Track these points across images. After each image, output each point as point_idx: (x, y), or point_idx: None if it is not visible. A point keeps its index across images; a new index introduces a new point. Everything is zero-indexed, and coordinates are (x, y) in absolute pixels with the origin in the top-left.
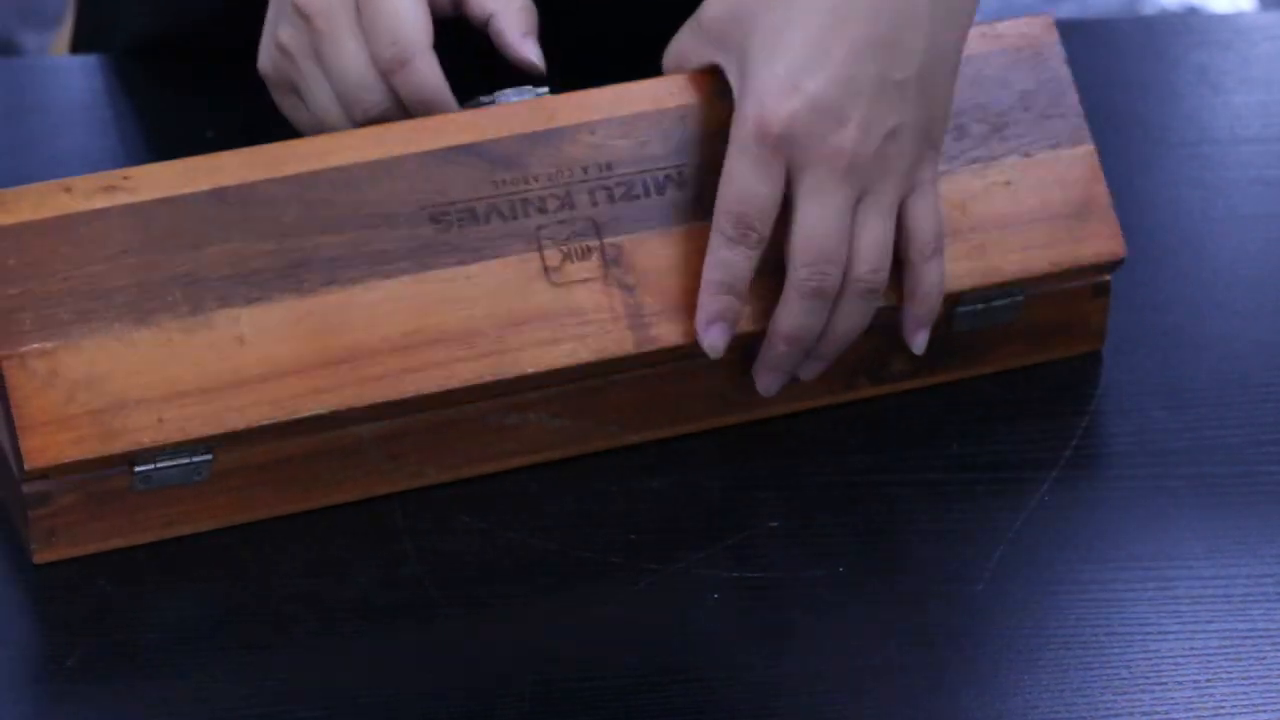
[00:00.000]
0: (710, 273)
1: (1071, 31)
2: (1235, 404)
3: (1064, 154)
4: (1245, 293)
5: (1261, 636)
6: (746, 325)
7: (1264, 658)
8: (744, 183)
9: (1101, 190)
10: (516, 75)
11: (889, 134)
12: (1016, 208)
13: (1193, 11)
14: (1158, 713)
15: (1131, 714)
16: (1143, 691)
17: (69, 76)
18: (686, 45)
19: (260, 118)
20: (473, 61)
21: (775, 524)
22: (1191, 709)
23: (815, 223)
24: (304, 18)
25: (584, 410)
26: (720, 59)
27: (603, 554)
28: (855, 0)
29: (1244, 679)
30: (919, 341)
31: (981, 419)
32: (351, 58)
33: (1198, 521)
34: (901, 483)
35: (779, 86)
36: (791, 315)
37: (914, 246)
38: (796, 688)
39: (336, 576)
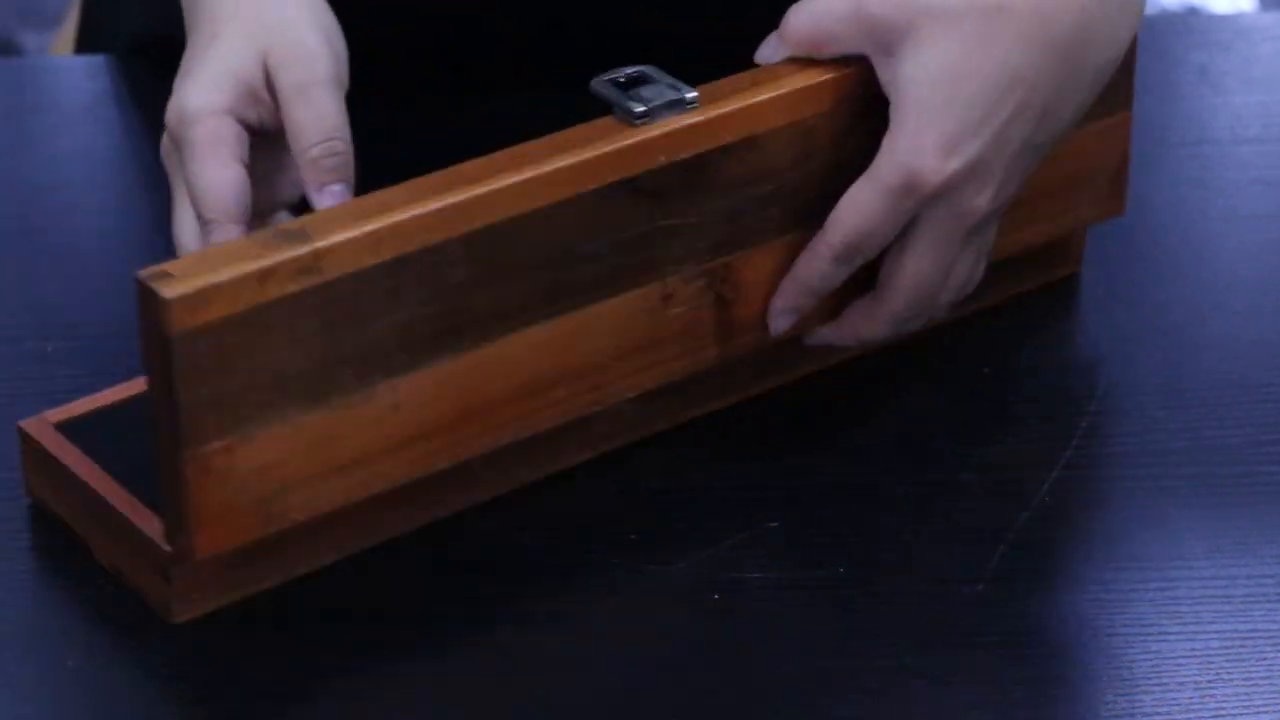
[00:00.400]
0: (804, 275)
1: None
2: (1235, 404)
3: (1105, 122)
4: (1245, 293)
5: (1263, 637)
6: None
7: (1265, 658)
8: (872, 221)
9: (1124, 155)
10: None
11: (1014, 190)
12: (1045, 181)
13: (1193, 12)
14: (1158, 714)
15: (1132, 715)
16: (1143, 693)
17: (69, 76)
18: (837, 27)
19: None
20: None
21: (775, 524)
22: (1192, 710)
23: (929, 268)
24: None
25: (662, 391)
26: (876, 61)
27: (603, 554)
28: (1032, 62)
29: (1245, 680)
30: None
31: (981, 419)
32: (182, 210)
33: (1198, 522)
34: (901, 482)
35: (943, 144)
36: (875, 330)
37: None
38: (796, 687)
39: (335, 577)
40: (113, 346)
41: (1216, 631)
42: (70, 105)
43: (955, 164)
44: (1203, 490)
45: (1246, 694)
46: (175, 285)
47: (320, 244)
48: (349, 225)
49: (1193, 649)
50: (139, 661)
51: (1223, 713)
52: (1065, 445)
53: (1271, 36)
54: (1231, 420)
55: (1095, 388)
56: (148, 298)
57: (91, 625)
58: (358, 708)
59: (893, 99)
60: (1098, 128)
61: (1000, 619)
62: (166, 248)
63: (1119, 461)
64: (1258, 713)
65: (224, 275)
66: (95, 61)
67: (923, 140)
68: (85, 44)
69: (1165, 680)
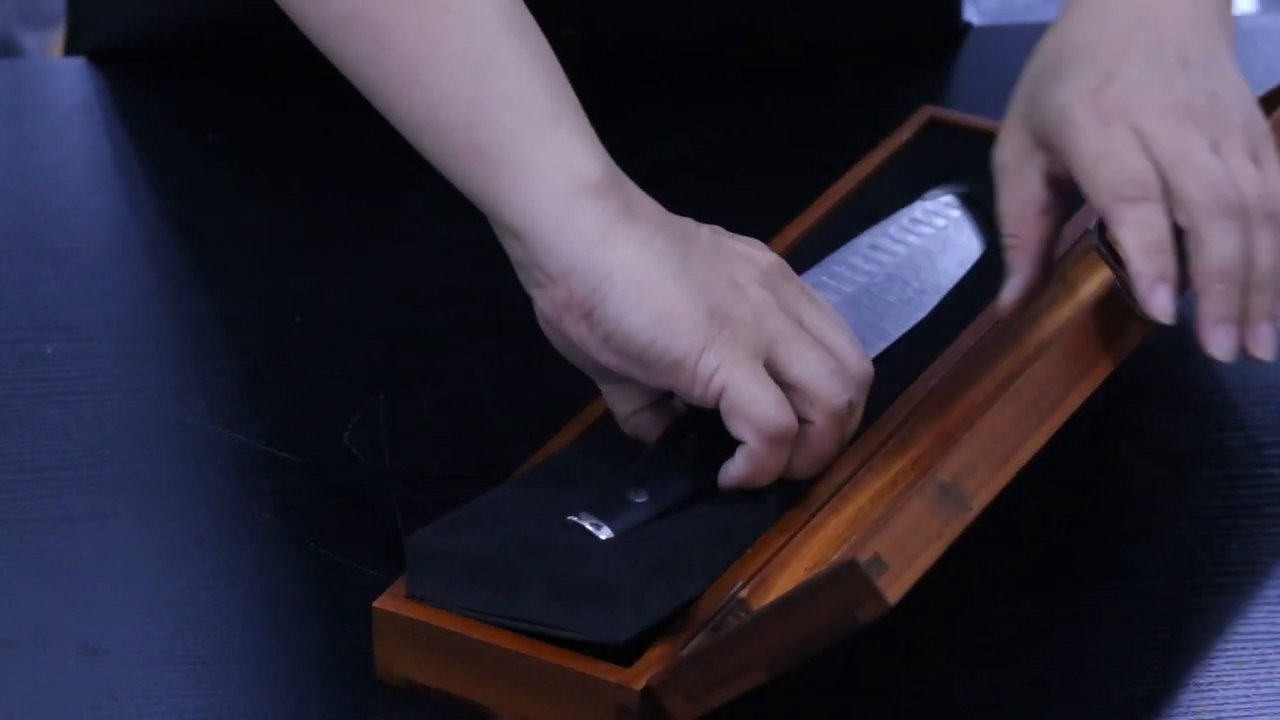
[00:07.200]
0: (1131, 240)
1: None
2: (1236, 407)
3: None
4: None
5: (1263, 638)
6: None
7: (1266, 659)
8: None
9: None
10: None
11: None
12: None
13: None
14: (1159, 714)
15: (1133, 716)
16: (1144, 694)
17: (69, 77)
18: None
19: (261, 120)
20: None
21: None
22: (1192, 710)
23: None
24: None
25: None
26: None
27: None
28: None
29: (1246, 682)
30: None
31: None
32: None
33: (1199, 524)
34: None
35: None
36: (1212, 247)
37: None
38: (792, 685)
39: (336, 579)
40: (112, 348)
41: (1217, 632)
42: (70, 106)
43: None
44: (1203, 492)
45: (1246, 695)
46: (889, 578)
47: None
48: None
49: (1193, 650)
50: None
51: (1223, 713)
52: (1066, 450)
53: (1272, 38)
54: (1232, 423)
55: (1095, 392)
56: (856, 581)
57: None
58: None
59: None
60: None
61: (1000, 622)
62: (164, 248)
63: (1119, 465)
64: (1258, 714)
65: (923, 561)
66: (95, 63)
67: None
68: (71, 46)
69: (1166, 681)
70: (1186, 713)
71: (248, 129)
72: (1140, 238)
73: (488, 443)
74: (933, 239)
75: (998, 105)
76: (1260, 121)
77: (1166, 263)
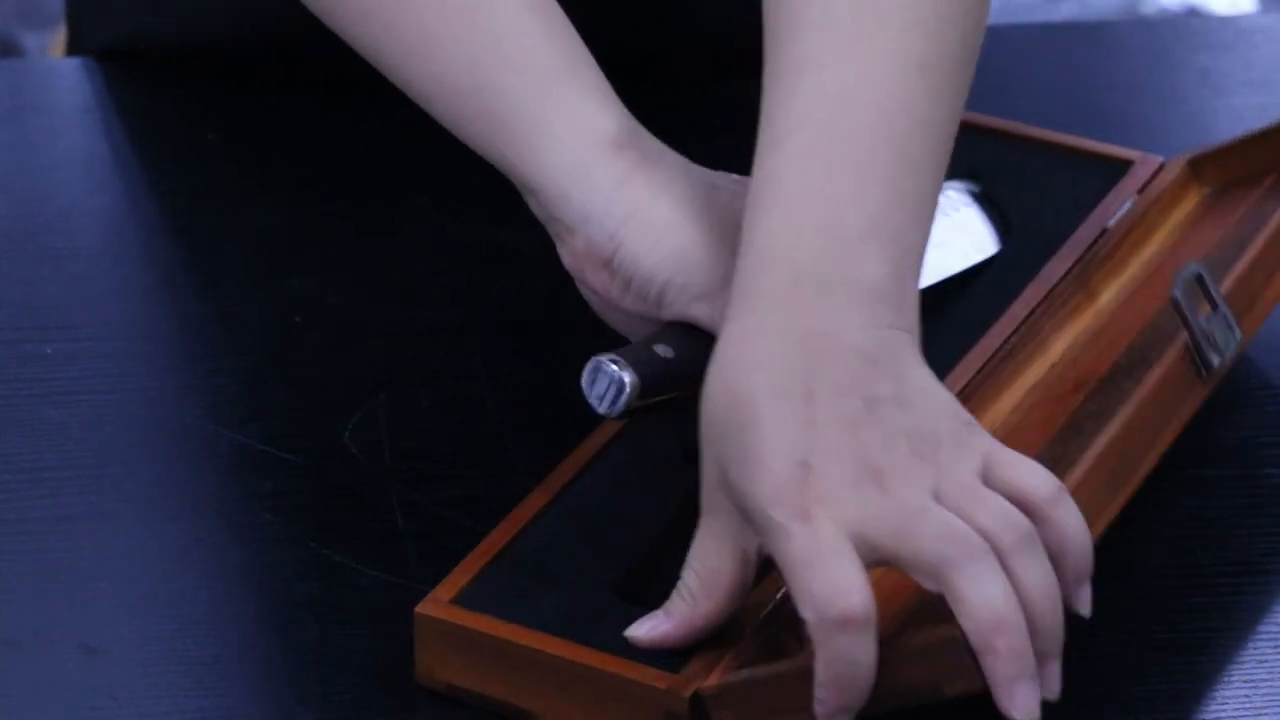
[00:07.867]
0: (821, 672)
1: (1071, 32)
2: (1235, 406)
3: None
4: None
5: (1263, 638)
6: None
7: (1265, 660)
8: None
9: None
10: None
11: None
12: None
13: (1193, 13)
14: (1158, 715)
15: (1134, 716)
16: (1145, 693)
17: (69, 77)
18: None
19: (261, 120)
20: None
21: None
22: (1192, 712)
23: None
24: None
25: None
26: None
27: None
28: None
29: (1245, 681)
30: (1083, 600)
31: None
32: None
33: (1198, 524)
34: None
35: None
36: (972, 601)
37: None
38: None
39: (336, 579)
40: (111, 348)
41: (1217, 632)
42: (70, 106)
43: None
44: (1203, 492)
45: (1246, 695)
46: None
47: None
48: None
49: (1193, 650)
50: None
51: (1223, 713)
52: None
53: (1272, 38)
54: (1231, 423)
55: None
56: (952, 656)
57: None
58: None
59: None
60: None
61: None
62: (164, 248)
63: None
64: (1258, 713)
65: None
66: (95, 63)
67: None
68: (74, 47)
69: (1166, 681)
70: (1186, 713)
71: (248, 129)
72: (830, 670)
73: (488, 443)
74: (947, 228)
75: (1000, 104)
76: (966, 424)
77: (857, 696)
